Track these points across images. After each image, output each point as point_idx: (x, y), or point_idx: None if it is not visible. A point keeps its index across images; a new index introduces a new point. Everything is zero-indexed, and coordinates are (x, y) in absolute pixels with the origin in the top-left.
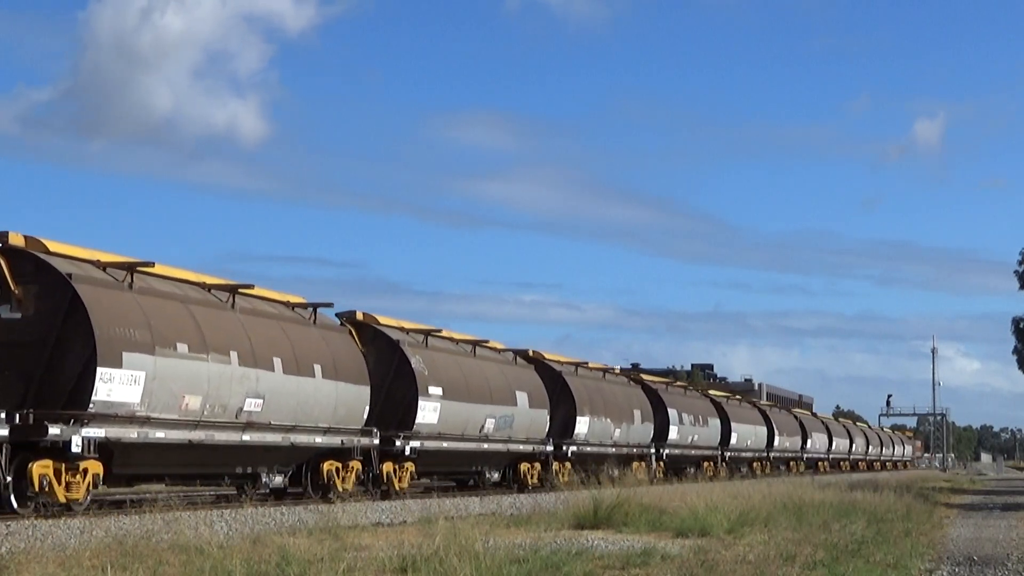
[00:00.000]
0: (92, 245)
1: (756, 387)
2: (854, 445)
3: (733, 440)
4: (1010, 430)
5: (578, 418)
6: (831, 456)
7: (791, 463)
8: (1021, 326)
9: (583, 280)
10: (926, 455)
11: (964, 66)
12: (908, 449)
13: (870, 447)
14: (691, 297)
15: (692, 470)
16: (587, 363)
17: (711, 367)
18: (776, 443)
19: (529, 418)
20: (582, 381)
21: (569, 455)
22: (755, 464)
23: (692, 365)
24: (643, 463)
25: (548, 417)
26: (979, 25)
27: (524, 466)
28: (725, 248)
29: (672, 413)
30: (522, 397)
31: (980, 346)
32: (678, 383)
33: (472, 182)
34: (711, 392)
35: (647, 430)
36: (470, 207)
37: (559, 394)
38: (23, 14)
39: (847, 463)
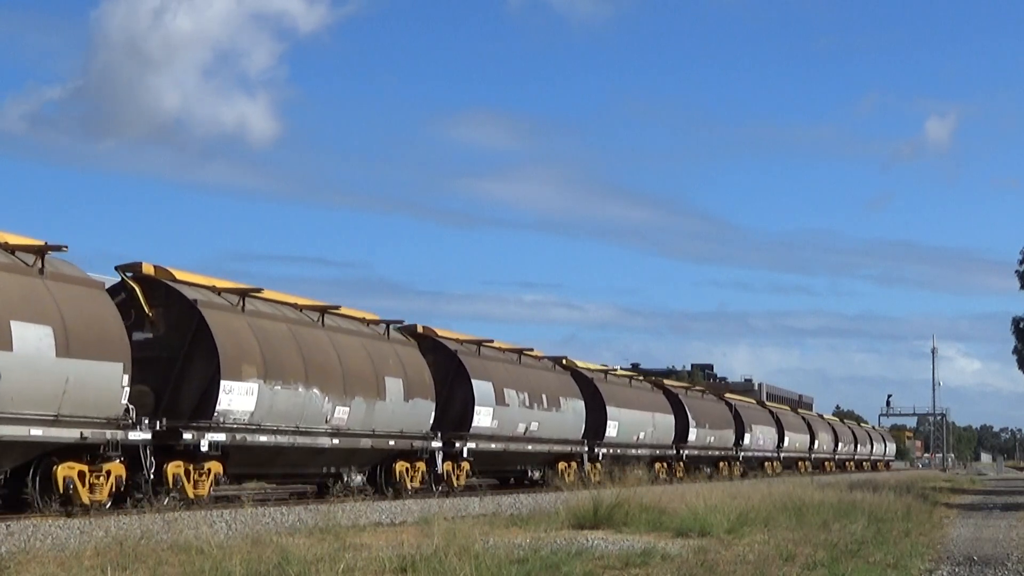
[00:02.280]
0: (90, 245)
1: (756, 387)
2: (817, 442)
3: (610, 431)
4: (1010, 430)
5: (224, 384)
6: (783, 454)
7: (721, 463)
8: (1021, 326)
9: (584, 280)
10: (926, 455)
11: (975, 65)
12: (891, 447)
13: (840, 444)
14: (693, 297)
15: (537, 473)
16: (260, 291)
17: (711, 367)
18: (692, 438)
19: (81, 385)
20: (262, 325)
21: (208, 448)
22: (659, 464)
23: (692, 365)
24: (419, 463)
25: (152, 391)
26: (990, 23)
27: (61, 470)
28: (728, 248)
29: (481, 388)
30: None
31: (981, 346)
32: (509, 346)
33: (474, 182)
34: (580, 365)
35: (421, 412)
36: (472, 207)
37: (195, 344)
38: (36, 11)
39: (807, 463)
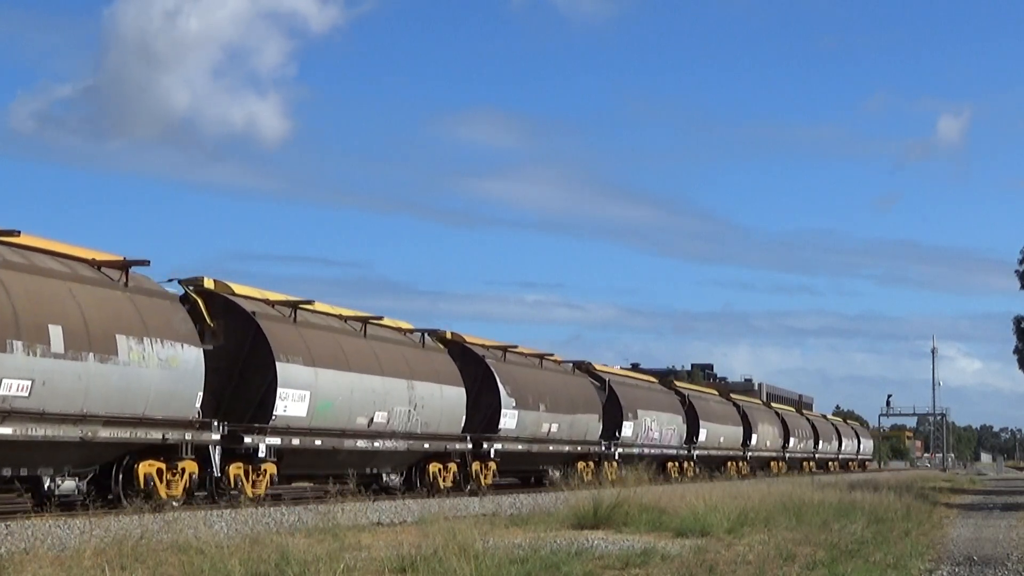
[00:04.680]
0: (92, 246)
1: (756, 387)
2: (755, 436)
3: (291, 408)
4: (1010, 430)
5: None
6: (698, 452)
7: (581, 463)
8: (1022, 326)
9: (586, 280)
10: (926, 455)
11: (984, 64)
12: (866, 444)
13: (792, 440)
14: (694, 297)
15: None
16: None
17: (711, 367)
18: (509, 424)
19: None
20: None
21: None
22: (437, 465)
23: (692, 365)
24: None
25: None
26: (997, 23)
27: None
28: (730, 248)
29: None
30: None
31: (982, 346)
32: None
33: (475, 181)
34: (238, 291)
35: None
36: (473, 206)
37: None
38: (47, 9)
39: (741, 463)
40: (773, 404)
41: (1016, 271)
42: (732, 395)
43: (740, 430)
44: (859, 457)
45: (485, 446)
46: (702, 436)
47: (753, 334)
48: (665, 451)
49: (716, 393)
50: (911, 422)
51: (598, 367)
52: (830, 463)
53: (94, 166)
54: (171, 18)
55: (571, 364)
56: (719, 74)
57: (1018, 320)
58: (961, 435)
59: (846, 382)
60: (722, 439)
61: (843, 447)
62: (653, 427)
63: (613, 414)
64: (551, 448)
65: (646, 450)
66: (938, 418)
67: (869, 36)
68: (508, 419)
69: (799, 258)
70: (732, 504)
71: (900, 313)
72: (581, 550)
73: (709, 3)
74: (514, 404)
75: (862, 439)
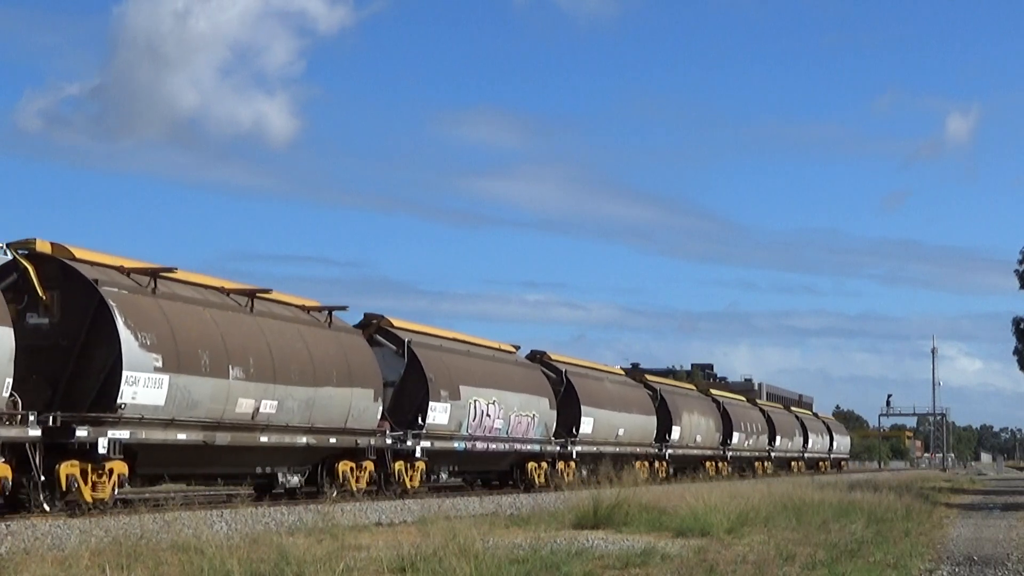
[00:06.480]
0: (94, 246)
1: (756, 387)
2: (678, 431)
3: None
4: (1010, 430)
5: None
6: (581, 448)
7: (341, 464)
8: (1022, 326)
9: (587, 279)
10: (926, 455)
11: (993, 62)
12: (841, 442)
13: (736, 435)
14: (696, 297)
15: None
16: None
17: (711, 367)
18: (144, 398)
19: None
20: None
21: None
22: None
23: (692, 365)
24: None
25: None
26: (1002, 21)
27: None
28: (733, 247)
29: None
30: None
31: (982, 345)
32: None
33: (477, 180)
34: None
35: None
36: (475, 206)
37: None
38: (57, 6)
39: (657, 464)
40: (714, 391)
41: (1015, 271)
42: (648, 376)
43: (653, 420)
44: (832, 456)
45: (84, 434)
46: (585, 427)
47: (754, 334)
48: (519, 446)
49: (622, 373)
50: (911, 422)
51: (396, 323)
52: (793, 463)
53: (101, 165)
54: (180, 17)
55: (328, 311)
56: (723, 72)
57: (1017, 321)
58: (961, 435)
59: (847, 382)
60: (621, 432)
61: (810, 444)
62: (492, 412)
63: (415, 392)
64: (265, 439)
65: (479, 444)
66: (938, 418)
67: (876, 34)
68: (146, 390)
69: (802, 258)
70: (732, 504)
71: (901, 313)
72: (581, 550)
73: (712, 1)
74: (159, 364)
75: (835, 435)
